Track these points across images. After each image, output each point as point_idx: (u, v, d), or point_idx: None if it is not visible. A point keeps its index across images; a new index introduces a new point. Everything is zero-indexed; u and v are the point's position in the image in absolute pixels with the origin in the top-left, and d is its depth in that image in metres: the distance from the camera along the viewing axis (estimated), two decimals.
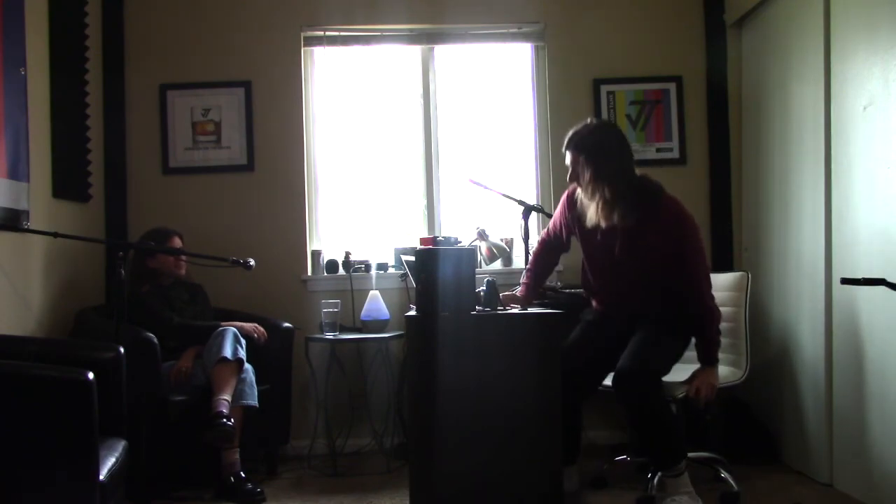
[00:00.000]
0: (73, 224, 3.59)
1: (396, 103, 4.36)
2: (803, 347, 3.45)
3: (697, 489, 2.85)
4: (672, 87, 4.21)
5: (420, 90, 4.33)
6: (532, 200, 3.82)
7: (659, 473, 3.01)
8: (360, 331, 3.86)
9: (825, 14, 3.26)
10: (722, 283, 3.39)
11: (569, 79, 4.18)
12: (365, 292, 3.92)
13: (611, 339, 3.06)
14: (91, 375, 2.19)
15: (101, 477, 2.24)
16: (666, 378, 2.94)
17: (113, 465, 2.36)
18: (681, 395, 3.04)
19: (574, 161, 2.96)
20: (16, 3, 3.10)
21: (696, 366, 3.35)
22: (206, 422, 3.17)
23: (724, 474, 3.18)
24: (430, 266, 2.82)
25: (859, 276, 2.60)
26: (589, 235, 3.03)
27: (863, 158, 3.05)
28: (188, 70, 4.13)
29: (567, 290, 3.80)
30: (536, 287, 3.28)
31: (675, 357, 3.01)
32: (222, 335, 3.36)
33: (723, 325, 3.32)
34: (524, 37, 4.30)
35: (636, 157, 3.04)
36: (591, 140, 2.92)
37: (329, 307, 3.72)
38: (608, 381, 3.16)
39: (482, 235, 3.82)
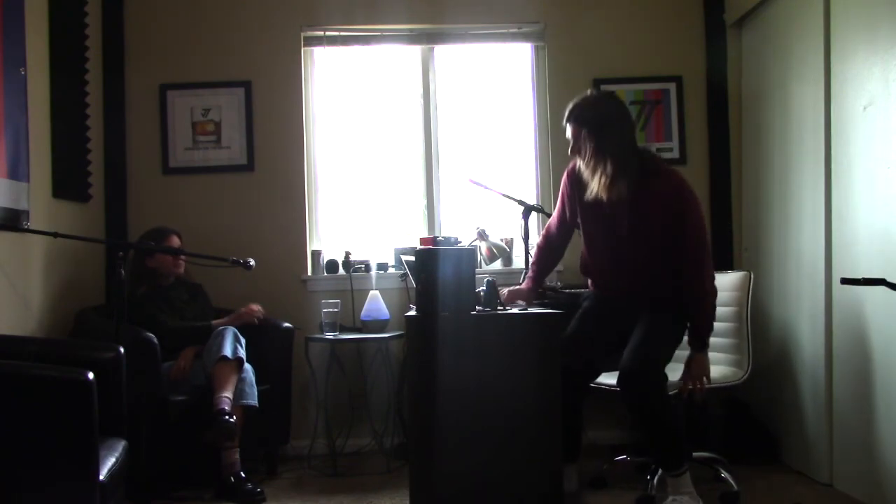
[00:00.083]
0: (73, 224, 3.59)
1: (396, 103, 4.36)
2: (803, 347, 3.45)
3: (697, 489, 2.85)
4: (672, 87, 4.21)
5: (420, 90, 4.33)
6: (532, 200, 3.82)
7: (659, 472, 3.02)
8: (360, 331, 3.86)
9: (825, 14, 3.26)
10: (724, 282, 3.38)
11: (569, 79, 4.17)
12: (365, 292, 3.92)
13: (609, 330, 3.04)
14: (91, 375, 2.19)
15: (101, 477, 2.24)
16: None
17: (113, 465, 2.36)
18: (676, 392, 3.03)
19: (575, 134, 2.92)
20: (16, 3, 3.10)
21: None
22: (208, 420, 3.17)
23: (724, 474, 3.18)
24: (430, 266, 2.82)
25: (859, 276, 2.60)
26: (590, 210, 2.99)
27: (863, 158, 3.05)
28: (188, 70, 4.13)
29: (567, 290, 3.80)
30: (542, 280, 3.26)
31: (677, 341, 2.99)
32: (222, 334, 3.36)
33: (724, 325, 3.33)
34: (524, 37, 4.30)
35: None
36: (592, 113, 2.88)
37: (329, 307, 3.72)
38: (609, 381, 3.17)
39: (482, 235, 3.82)
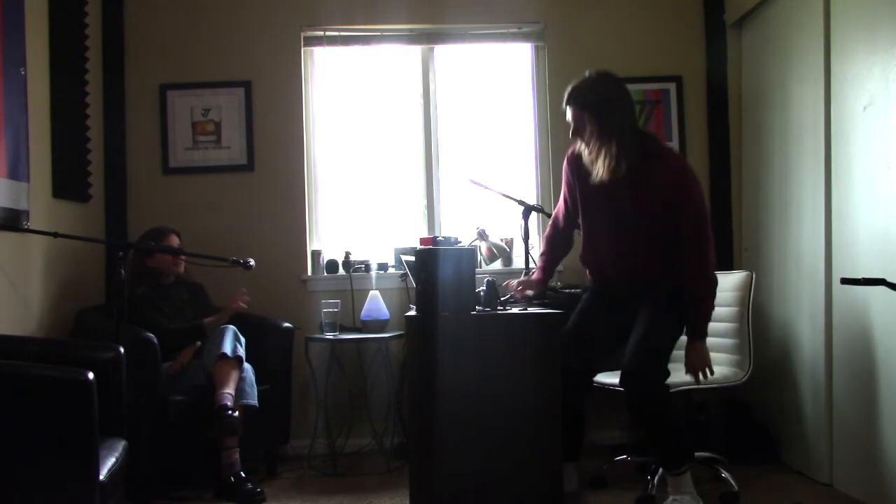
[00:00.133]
0: (73, 224, 3.59)
1: (396, 103, 4.36)
2: (803, 347, 3.45)
3: (698, 489, 2.85)
4: (672, 87, 4.21)
5: (420, 90, 4.33)
6: (532, 200, 3.83)
7: (660, 472, 3.02)
8: (360, 331, 3.86)
9: (825, 14, 3.26)
10: (725, 282, 3.37)
11: (569, 79, 4.09)
12: (365, 292, 3.92)
13: (609, 326, 3.02)
14: (91, 375, 2.19)
15: (101, 477, 2.24)
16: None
17: (113, 465, 2.36)
18: (679, 391, 3.02)
19: (576, 117, 2.88)
20: (16, 3, 3.10)
21: None
22: (210, 416, 3.17)
23: (724, 474, 3.18)
24: (430, 266, 2.82)
25: (859, 276, 2.60)
26: (590, 194, 2.96)
27: (863, 158, 3.05)
28: (188, 70, 4.13)
29: (567, 290, 3.80)
30: (552, 270, 3.22)
31: (678, 333, 2.96)
32: (222, 333, 3.36)
33: (724, 326, 3.34)
34: (524, 37, 4.30)
35: None
36: (592, 95, 2.85)
37: (329, 307, 3.72)
38: (611, 380, 3.17)
39: (482, 235, 3.82)
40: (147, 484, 3.09)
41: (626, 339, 2.92)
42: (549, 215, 3.66)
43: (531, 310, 3.00)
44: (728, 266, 4.04)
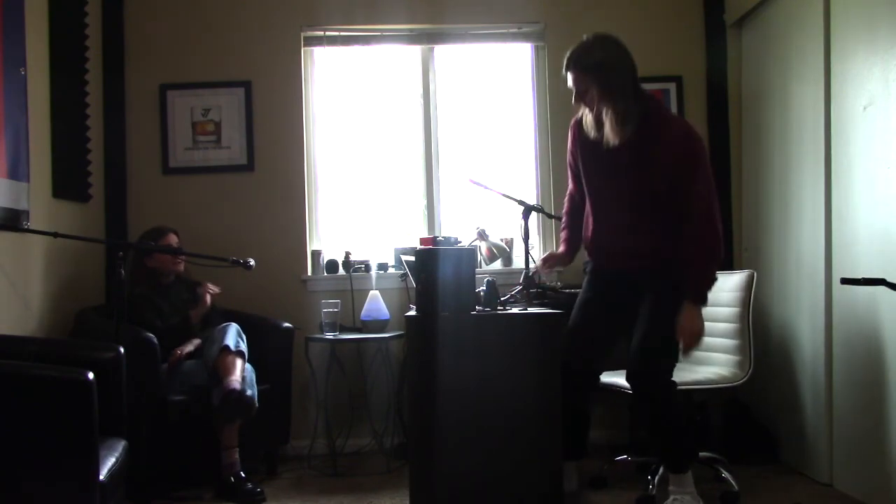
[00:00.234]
0: (73, 224, 3.59)
1: (396, 103, 4.36)
2: (803, 347, 3.45)
3: (698, 489, 2.85)
4: (672, 87, 4.21)
5: (420, 90, 4.33)
6: (532, 200, 3.82)
7: (660, 472, 3.02)
8: (360, 331, 3.86)
9: (825, 14, 3.26)
10: (726, 283, 3.37)
11: None
12: (365, 292, 3.92)
13: (610, 319, 2.99)
14: (91, 375, 2.19)
15: (101, 477, 2.24)
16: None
17: (113, 465, 2.36)
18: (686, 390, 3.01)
19: (578, 82, 2.82)
20: (16, 3, 3.10)
21: (703, 367, 3.36)
22: (213, 411, 3.18)
23: (724, 474, 3.18)
24: (430, 266, 2.82)
25: (859, 276, 2.60)
26: (593, 164, 2.92)
27: (863, 158, 3.05)
28: (188, 70, 4.13)
29: (567, 290, 3.79)
30: (576, 243, 3.15)
31: None
32: (224, 330, 3.38)
33: (725, 326, 3.33)
34: (524, 37, 4.30)
35: None
36: (593, 58, 2.79)
37: (329, 307, 3.72)
38: (613, 380, 3.17)
39: (482, 235, 3.82)
40: (147, 484, 3.09)
41: (626, 333, 2.90)
42: (549, 215, 3.67)
43: (531, 310, 3.00)
44: (728, 266, 4.04)
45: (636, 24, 4.22)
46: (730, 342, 3.31)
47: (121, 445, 2.52)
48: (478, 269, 3.19)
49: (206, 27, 4.15)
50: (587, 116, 2.89)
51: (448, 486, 2.78)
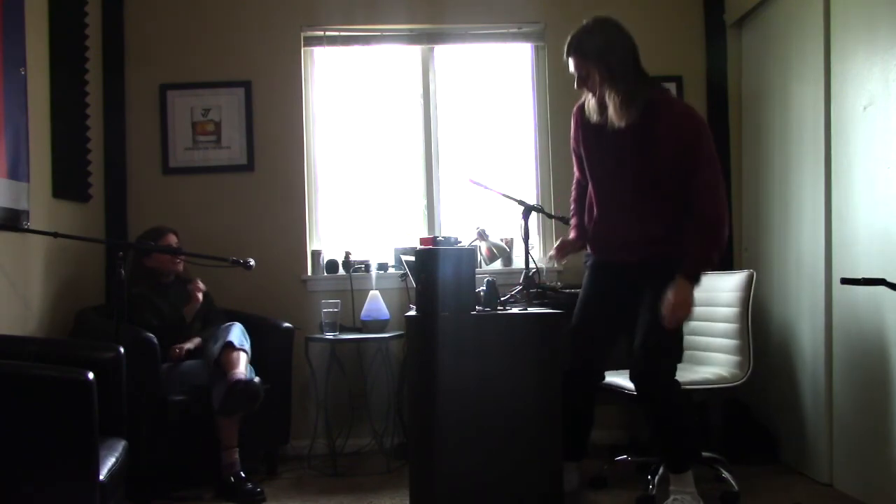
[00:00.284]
0: (73, 224, 3.59)
1: (396, 103, 4.36)
2: (803, 347, 3.45)
3: (698, 489, 2.85)
4: (672, 87, 4.19)
5: (420, 90, 4.33)
6: (532, 200, 3.82)
7: (660, 471, 3.02)
8: (360, 331, 3.86)
9: (825, 14, 3.26)
10: (725, 283, 3.38)
11: (569, 79, 4.10)
12: (365, 292, 3.93)
13: (611, 316, 2.97)
14: (91, 375, 2.19)
15: (101, 477, 2.24)
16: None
17: (113, 465, 2.36)
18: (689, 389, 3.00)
19: (579, 66, 2.82)
20: (16, 3, 3.10)
21: (703, 367, 3.36)
22: (225, 395, 3.17)
23: (724, 474, 3.17)
24: (430, 266, 2.82)
25: (859, 276, 2.60)
26: (596, 150, 2.91)
27: (863, 158, 3.05)
28: (188, 70, 4.13)
29: (567, 290, 3.79)
30: (587, 229, 3.10)
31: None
32: (228, 328, 3.39)
33: (724, 326, 3.33)
34: (524, 37, 4.30)
35: None
36: (594, 42, 2.79)
37: (329, 307, 3.72)
38: (615, 380, 3.17)
39: (482, 235, 3.82)
40: (147, 484, 3.09)
41: (627, 332, 2.90)
42: (549, 215, 3.67)
43: (531, 310, 3.00)
44: (728, 266, 4.04)
45: (636, 24, 4.13)
46: (729, 342, 3.31)
47: (121, 445, 2.52)
48: (478, 269, 3.19)
49: (206, 27, 4.15)
50: (590, 101, 2.88)
51: (448, 486, 2.78)
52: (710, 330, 3.44)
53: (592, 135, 2.91)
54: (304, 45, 4.21)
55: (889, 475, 2.89)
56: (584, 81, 2.84)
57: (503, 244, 3.98)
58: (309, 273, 4.15)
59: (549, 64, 4.21)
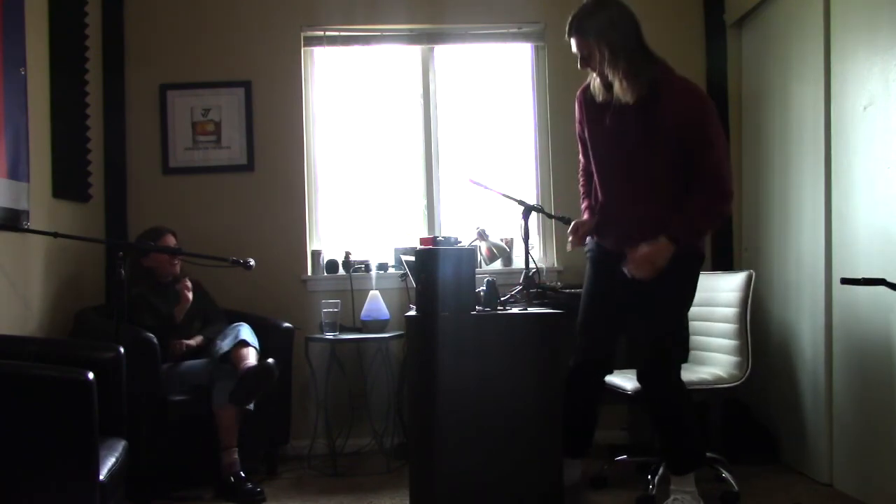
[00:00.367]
0: (73, 224, 3.59)
1: (396, 103, 4.36)
2: (803, 347, 3.45)
3: (698, 489, 2.85)
4: None
5: (420, 90, 4.33)
6: (532, 200, 3.81)
7: (660, 471, 3.01)
8: (360, 331, 3.86)
9: (825, 14, 3.26)
10: (725, 283, 3.38)
11: (569, 79, 4.15)
12: (365, 292, 3.93)
13: (611, 323, 2.97)
14: (91, 375, 2.19)
15: (101, 477, 2.24)
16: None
17: (113, 465, 2.36)
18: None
19: (582, 46, 2.79)
20: (16, 3, 3.10)
21: (702, 367, 3.36)
22: (239, 381, 3.19)
23: (724, 474, 3.17)
24: (430, 266, 2.82)
25: (859, 276, 2.60)
26: (599, 134, 2.89)
27: (863, 158, 3.05)
28: (188, 70, 4.13)
29: (567, 290, 3.79)
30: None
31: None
32: (238, 328, 3.40)
33: (724, 326, 3.33)
34: (524, 37, 4.30)
35: None
36: (596, 20, 2.77)
37: (329, 307, 3.72)
38: (612, 380, 3.17)
39: (482, 235, 3.82)
40: (147, 484, 3.09)
41: (629, 329, 2.89)
42: (549, 215, 3.66)
43: (531, 310, 3.00)
44: (728, 266, 4.05)
45: None
46: (729, 342, 3.31)
47: (121, 445, 2.52)
48: (478, 269, 3.19)
49: (206, 27, 4.15)
50: (594, 81, 2.87)
51: (448, 486, 2.77)
52: (709, 330, 3.44)
53: (596, 117, 2.89)
54: (304, 45, 4.21)
55: (889, 475, 2.89)
56: (587, 61, 2.82)
57: (503, 244, 3.98)
58: (309, 273, 4.15)
59: (549, 64, 4.21)
